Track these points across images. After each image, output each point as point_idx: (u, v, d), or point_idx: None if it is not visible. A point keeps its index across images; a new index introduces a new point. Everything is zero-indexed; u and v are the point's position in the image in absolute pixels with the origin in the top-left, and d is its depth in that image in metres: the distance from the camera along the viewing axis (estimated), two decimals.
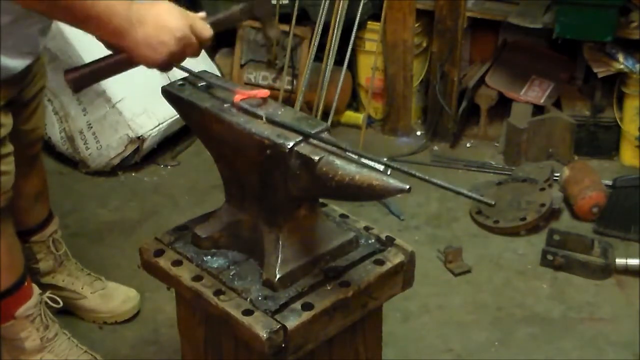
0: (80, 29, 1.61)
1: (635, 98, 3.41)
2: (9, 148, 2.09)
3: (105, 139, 3.42)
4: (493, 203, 1.40)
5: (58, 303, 2.47)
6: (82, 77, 1.68)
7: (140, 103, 3.40)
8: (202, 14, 1.69)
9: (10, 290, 2.24)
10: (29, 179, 2.39)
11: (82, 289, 2.64)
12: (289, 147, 1.59)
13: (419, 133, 3.83)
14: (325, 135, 1.62)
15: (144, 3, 1.62)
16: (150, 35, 1.58)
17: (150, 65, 1.63)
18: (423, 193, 3.34)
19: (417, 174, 1.45)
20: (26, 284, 2.29)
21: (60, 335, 2.41)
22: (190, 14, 1.64)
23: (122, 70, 1.71)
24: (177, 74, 1.78)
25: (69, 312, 2.63)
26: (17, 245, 2.28)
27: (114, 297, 2.68)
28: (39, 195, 2.49)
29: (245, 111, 1.67)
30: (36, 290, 2.34)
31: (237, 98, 1.69)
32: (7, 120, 2.05)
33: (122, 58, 1.65)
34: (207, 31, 1.65)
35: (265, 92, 1.67)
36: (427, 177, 1.42)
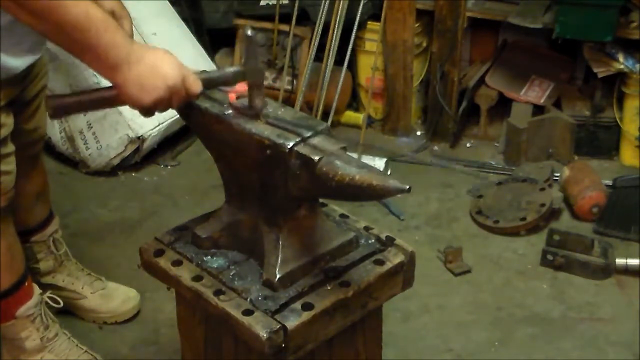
0: (77, 57, 1.60)
1: (635, 98, 3.41)
2: (10, 148, 2.09)
3: (105, 139, 3.42)
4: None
5: (59, 303, 2.47)
6: (64, 106, 1.68)
7: None
8: (195, 70, 1.70)
9: (10, 290, 2.24)
10: (30, 178, 2.40)
11: (82, 289, 2.65)
12: (289, 147, 1.59)
13: (419, 133, 3.83)
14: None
15: (144, 44, 1.65)
16: (143, 76, 1.59)
17: (135, 105, 1.62)
18: (423, 193, 3.35)
19: None
20: (27, 283, 2.29)
21: (61, 335, 2.41)
22: (185, 67, 1.65)
23: (107, 107, 1.71)
24: None
25: (69, 312, 2.63)
26: (18, 245, 2.28)
27: (114, 297, 2.68)
28: (39, 195, 2.49)
29: (243, 112, 1.68)
30: (37, 290, 2.34)
31: (231, 97, 1.69)
32: (9, 120, 2.05)
33: (109, 95, 1.64)
34: (196, 86, 1.66)
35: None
36: None
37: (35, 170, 2.45)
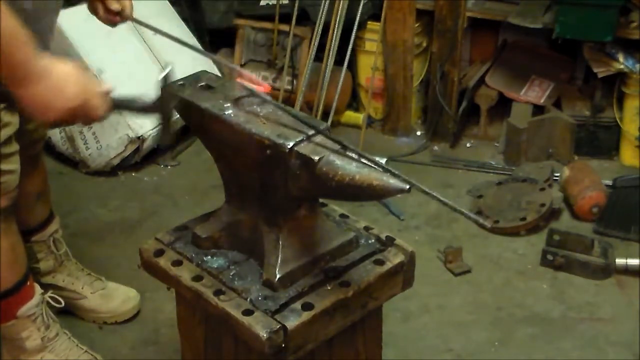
0: None
1: (635, 98, 3.41)
2: (15, 147, 2.09)
3: (105, 139, 3.42)
4: (489, 226, 1.42)
5: (60, 303, 2.47)
6: None
7: None
8: (109, 86, 1.68)
9: (12, 289, 2.24)
10: (31, 178, 2.39)
11: (82, 289, 2.65)
12: (289, 147, 1.59)
13: (419, 133, 3.83)
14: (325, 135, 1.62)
15: (54, 60, 1.58)
16: (44, 96, 1.55)
17: (36, 119, 1.63)
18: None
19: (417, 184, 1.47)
20: (28, 283, 2.29)
21: (61, 335, 2.41)
22: (95, 86, 1.62)
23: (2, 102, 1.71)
24: (177, 74, 1.79)
25: (69, 312, 2.62)
26: (21, 245, 2.28)
27: (114, 297, 2.68)
28: (40, 194, 2.49)
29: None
30: (38, 290, 2.34)
31: (238, 77, 1.71)
32: (14, 119, 2.05)
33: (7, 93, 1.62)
34: (101, 111, 1.64)
35: (266, 87, 1.69)
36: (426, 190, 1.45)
37: (36, 170, 2.45)
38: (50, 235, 2.56)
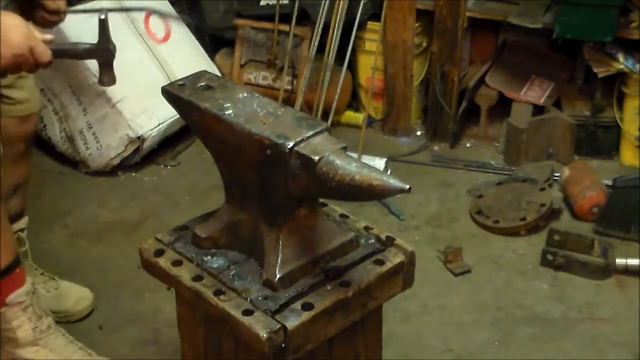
0: None
1: (635, 98, 3.41)
2: None
3: (105, 139, 3.42)
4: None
5: (49, 291, 2.50)
6: None
7: (140, 103, 3.40)
8: (49, 36, 1.79)
9: (1, 273, 2.23)
10: (14, 167, 2.38)
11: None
12: (289, 147, 1.59)
13: (419, 133, 3.83)
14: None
15: None
16: None
17: None
18: (423, 193, 3.35)
19: None
20: (18, 270, 2.28)
21: (55, 330, 2.41)
22: (36, 35, 1.72)
23: None
24: (177, 74, 1.79)
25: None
26: (10, 230, 2.27)
27: (67, 297, 2.67)
28: (18, 188, 2.48)
29: None
30: (29, 279, 2.33)
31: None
32: None
33: None
34: (45, 57, 1.75)
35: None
36: None
37: (22, 160, 2.43)
38: (15, 232, 2.53)
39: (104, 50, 1.84)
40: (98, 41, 1.84)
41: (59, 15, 2.24)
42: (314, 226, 1.75)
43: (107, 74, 1.86)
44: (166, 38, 3.44)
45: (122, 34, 3.40)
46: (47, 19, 2.24)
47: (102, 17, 1.82)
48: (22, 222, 2.57)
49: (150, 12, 1.83)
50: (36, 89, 2.48)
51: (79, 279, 2.77)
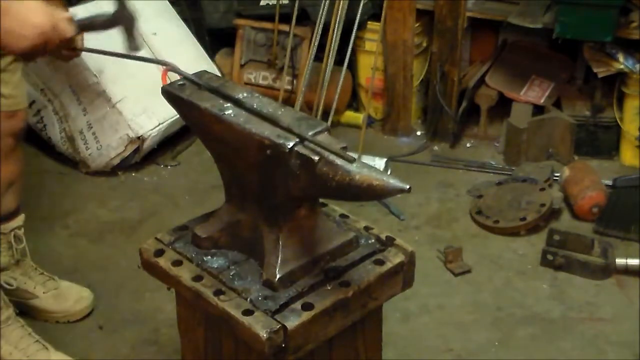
0: None
1: (635, 98, 3.41)
2: None
3: (105, 139, 3.42)
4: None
5: (11, 285, 2.51)
6: None
7: (140, 103, 3.40)
8: (69, 14, 1.82)
9: None
10: (5, 164, 2.38)
11: (34, 288, 2.64)
12: (289, 147, 1.59)
13: (419, 133, 3.83)
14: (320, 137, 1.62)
15: None
16: (14, 27, 1.70)
17: (12, 53, 1.77)
18: (423, 193, 3.35)
19: None
20: None
21: (14, 322, 2.42)
22: (57, 14, 1.76)
23: None
24: (177, 74, 1.79)
25: (23, 312, 2.58)
26: None
27: (67, 297, 2.67)
28: (10, 184, 2.47)
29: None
30: None
31: (163, 74, 1.80)
32: None
33: None
34: (68, 32, 1.78)
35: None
36: None
37: (12, 156, 2.42)
38: (12, 230, 2.54)
39: (124, 17, 1.86)
40: (116, 9, 1.86)
41: (75, 52, 2.25)
42: (314, 226, 1.75)
43: (133, 39, 1.88)
44: None
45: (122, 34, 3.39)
46: (63, 55, 2.25)
47: None
48: (19, 220, 2.56)
49: (168, 69, 1.84)
50: (23, 86, 2.47)
51: (79, 279, 2.78)
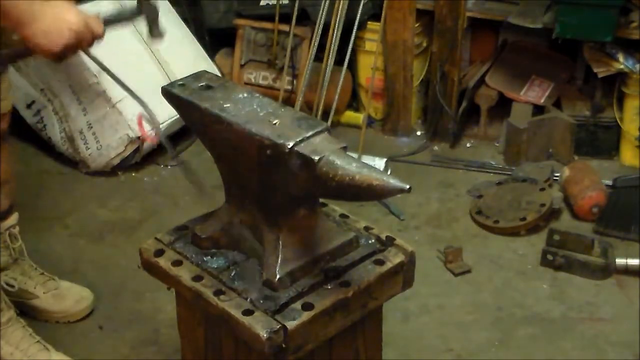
0: None
1: (635, 98, 3.41)
2: None
3: (105, 139, 3.42)
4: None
5: (13, 287, 2.50)
6: None
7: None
8: (96, 13, 1.86)
9: None
10: None
11: (34, 288, 2.64)
12: (289, 147, 1.59)
13: (419, 133, 3.83)
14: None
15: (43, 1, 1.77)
16: (49, 27, 1.73)
17: (46, 54, 1.78)
18: (423, 193, 3.34)
19: None
20: None
21: (15, 323, 2.42)
22: (85, 12, 1.80)
23: (23, 58, 1.96)
24: (177, 74, 1.80)
25: (23, 313, 2.57)
26: None
27: (67, 297, 2.67)
28: (3, 184, 2.46)
29: None
30: None
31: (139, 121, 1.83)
32: None
33: (23, 49, 1.81)
34: (100, 28, 1.83)
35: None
36: None
37: (0, 156, 2.43)
38: (6, 229, 2.53)
39: (147, 7, 1.91)
40: (139, 2, 1.91)
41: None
42: (314, 226, 1.75)
43: (157, 28, 1.93)
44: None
45: (123, 35, 3.39)
46: None
47: None
48: (12, 219, 2.55)
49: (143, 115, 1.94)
50: (9, 90, 2.46)
51: (79, 279, 2.77)
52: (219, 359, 1.85)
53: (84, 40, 1.79)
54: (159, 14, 1.94)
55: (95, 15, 1.83)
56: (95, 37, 1.82)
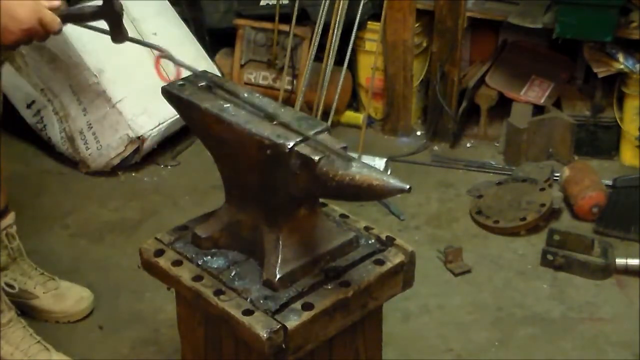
0: None
1: (635, 98, 3.41)
2: None
3: (105, 139, 3.42)
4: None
5: (14, 288, 2.49)
6: None
7: (140, 103, 3.40)
8: (57, 3, 1.83)
9: None
10: None
11: (34, 288, 2.63)
12: (289, 147, 1.59)
13: (419, 133, 3.83)
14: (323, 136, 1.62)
15: None
16: (3, 23, 1.72)
17: None
18: (423, 193, 3.34)
19: None
20: None
21: (16, 323, 2.41)
22: (42, 5, 1.78)
23: None
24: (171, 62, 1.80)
25: (23, 313, 2.56)
26: None
27: (67, 297, 2.67)
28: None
29: None
30: None
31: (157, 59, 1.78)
32: None
33: None
34: (54, 26, 1.80)
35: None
36: None
37: None
38: (3, 229, 2.53)
39: (110, 10, 1.86)
40: (104, 1, 1.86)
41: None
42: (314, 226, 1.75)
43: (119, 32, 1.88)
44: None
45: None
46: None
47: None
48: (9, 218, 2.55)
49: (161, 55, 1.84)
50: None
51: (79, 279, 2.77)
52: (219, 359, 1.85)
53: (36, 36, 1.79)
54: (123, 16, 1.89)
55: (55, 6, 1.81)
56: (50, 33, 1.80)
